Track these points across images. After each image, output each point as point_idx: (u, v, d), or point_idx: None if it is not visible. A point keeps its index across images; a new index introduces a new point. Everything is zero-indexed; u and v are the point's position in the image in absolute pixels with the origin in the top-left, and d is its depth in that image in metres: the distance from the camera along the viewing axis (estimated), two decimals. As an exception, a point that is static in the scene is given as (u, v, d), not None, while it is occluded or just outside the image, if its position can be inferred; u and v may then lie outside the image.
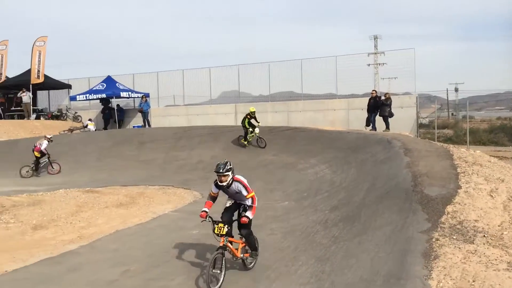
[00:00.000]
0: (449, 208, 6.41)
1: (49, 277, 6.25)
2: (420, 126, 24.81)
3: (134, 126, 24.06)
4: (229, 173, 6.18)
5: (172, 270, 6.48)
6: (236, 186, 6.28)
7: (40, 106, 27.25)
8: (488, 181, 7.45)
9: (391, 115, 17.24)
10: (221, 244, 5.97)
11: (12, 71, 26.84)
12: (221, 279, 5.77)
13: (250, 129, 16.47)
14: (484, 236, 5.55)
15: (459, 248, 5.25)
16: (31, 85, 24.64)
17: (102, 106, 25.25)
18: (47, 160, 16.37)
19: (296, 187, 11.97)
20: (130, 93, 25.22)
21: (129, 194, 12.10)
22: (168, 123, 23.30)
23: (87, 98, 25.04)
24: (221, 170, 6.10)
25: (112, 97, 24.66)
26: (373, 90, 18.28)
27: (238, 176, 6.37)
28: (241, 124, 16.96)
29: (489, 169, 8.25)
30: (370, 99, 17.75)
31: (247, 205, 6.35)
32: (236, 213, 6.45)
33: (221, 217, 6.29)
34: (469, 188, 7.09)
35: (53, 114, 25.63)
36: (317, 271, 5.96)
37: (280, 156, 15.43)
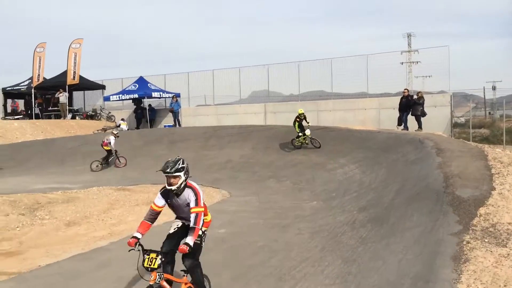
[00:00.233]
0: (482, 210, 6.20)
1: (80, 273, 6.42)
2: (455, 125, 24.13)
3: (165, 126, 24.44)
4: (181, 173, 4.75)
5: (199, 268, 6.51)
6: (187, 195, 4.86)
7: (75, 106, 28.07)
8: (524, 182, 7.16)
9: (424, 114, 16.87)
10: (151, 283, 4.54)
11: (49, 72, 27.74)
12: None
13: (300, 133, 15.84)
14: (518, 239, 5.34)
15: (491, 251, 5.08)
16: (67, 86, 25.40)
17: (135, 106, 25.76)
18: (114, 154, 17.16)
19: (325, 187, 11.89)
20: (161, 93, 25.65)
21: (159, 192, 12.29)
22: (198, 123, 23.56)
23: (120, 98, 25.63)
24: (168, 169, 4.70)
25: (144, 97, 25.16)
26: (405, 89, 17.94)
27: (192, 183, 4.94)
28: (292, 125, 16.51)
29: (526, 170, 7.93)
30: (402, 98, 17.42)
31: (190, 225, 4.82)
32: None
33: (161, 247, 4.96)
34: (503, 190, 6.84)
35: (88, 114, 26.36)
36: (343, 272, 5.89)
37: (309, 156, 15.35)
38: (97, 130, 22.64)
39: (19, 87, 27.70)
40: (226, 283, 5.98)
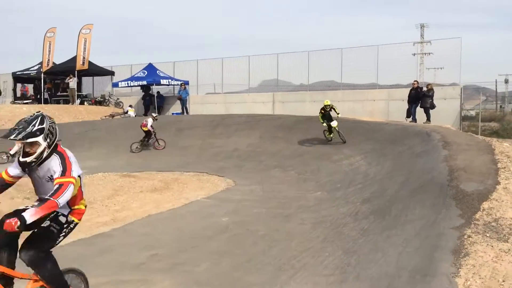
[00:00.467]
0: (485, 205, 6.12)
1: (82, 258, 6.45)
2: (465, 118, 23.89)
3: (173, 113, 24.48)
4: (39, 138, 3.45)
5: (199, 256, 6.55)
6: (51, 164, 3.54)
7: (84, 92, 28.18)
8: (530, 177, 7.07)
9: (433, 106, 16.70)
10: None
11: (59, 58, 27.85)
12: None
13: (325, 124, 15.05)
14: (520, 235, 5.28)
15: (492, 246, 5.02)
16: (76, 72, 25.48)
17: (143, 93, 25.81)
18: (154, 137, 17.46)
19: (330, 178, 11.83)
20: (170, 80, 25.66)
21: (164, 179, 12.35)
22: (206, 111, 23.54)
23: (129, 85, 25.71)
24: (15, 135, 3.40)
25: (153, 84, 25.18)
26: (414, 81, 17.76)
27: (64, 149, 3.72)
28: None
29: (533, 165, 7.82)
30: (411, 90, 17.26)
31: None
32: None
33: None
34: (508, 185, 6.75)
35: (96, 99, 26.46)
36: (343, 263, 5.87)
37: (316, 146, 15.30)
38: (105, 116, 22.72)
39: (29, 72, 27.89)
40: (225, 271, 5.99)
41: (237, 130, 17.91)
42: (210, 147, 17.11)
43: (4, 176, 3.65)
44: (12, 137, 3.39)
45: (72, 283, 4.04)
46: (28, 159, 3.48)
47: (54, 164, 3.53)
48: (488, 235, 5.32)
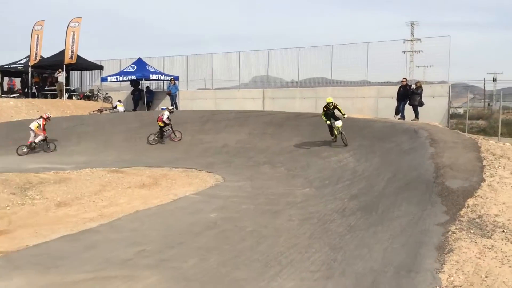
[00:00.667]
0: (470, 202, 6.21)
1: (67, 254, 6.43)
2: (453, 116, 24.10)
3: (162, 109, 24.31)
4: None
5: (186, 252, 6.55)
6: None
7: (72, 86, 27.87)
8: (515, 175, 7.17)
9: (421, 104, 16.78)
10: None
11: (47, 51, 27.51)
12: None
13: (328, 122, 14.23)
14: (503, 231, 5.35)
15: (475, 242, 5.09)
16: (64, 66, 25.20)
17: (132, 88, 25.61)
18: (170, 129, 17.65)
19: (319, 175, 11.88)
20: (159, 75, 25.46)
21: (153, 175, 12.30)
22: (196, 107, 23.45)
23: (118, 80, 25.49)
24: None
25: (142, 79, 24.98)
26: (403, 78, 17.81)
27: None
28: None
29: (517, 162, 7.94)
30: (400, 88, 17.32)
31: None
32: None
33: None
34: (493, 182, 6.85)
35: (85, 94, 26.19)
36: (329, 259, 5.91)
37: (305, 142, 15.31)
38: (94, 111, 22.53)
39: (16, 65, 27.50)
40: (213, 267, 5.99)
41: (227, 126, 17.90)
42: (199, 143, 17.09)
43: None
44: None
45: None
46: None
47: None
48: (472, 231, 5.39)
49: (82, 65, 26.90)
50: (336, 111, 14.31)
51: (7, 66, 27.67)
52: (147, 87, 25.38)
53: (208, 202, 9.61)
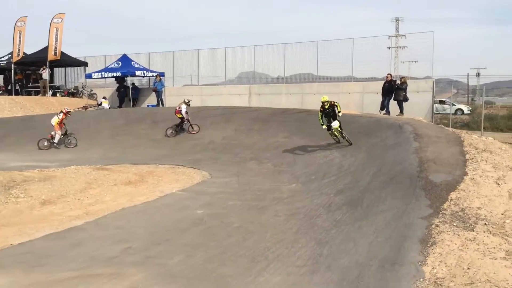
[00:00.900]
0: (453, 195, 6.30)
1: (52, 252, 6.39)
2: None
3: (148, 105, 24.19)
4: None
5: (173, 249, 6.54)
6: None
7: (56, 83, 27.52)
8: (496, 168, 7.29)
9: (406, 99, 16.94)
10: None
11: (30, 48, 27.08)
12: None
13: (324, 126, 13.07)
14: (485, 224, 5.45)
15: (458, 235, 5.18)
16: (48, 62, 24.87)
17: (117, 85, 25.39)
18: (187, 122, 17.60)
19: (305, 170, 11.93)
20: (145, 72, 25.32)
21: (139, 172, 12.24)
22: (182, 103, 23.32)
23: (103, 76, 25.24)
24: None
25: (127, 76, 24.79)
26: (388, 74, 17.96)
27: None
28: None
29: (499, 156, 8.07)
30: (385, 83, 17.46)
31: None
32: None
33: None
34: (475, 175, 6.96)
35: (69, 91, 25.90)
36: (315, 254, 5.96)
37: (291, 138, 15.37)
38: (78, 108, 22.29)
39: (-2, 62, 27.05)
40: (200, 263, 6.01)
41: (213, 122, 17.88)
42: (186, 140, 17.05)
43: None
44: None
45: None
46: None
47: None
48: (455, 224, 5.48)
49: (66, 61, 26.56)
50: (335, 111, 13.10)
51: (-11, 63, 27.19)
52: (133, 84, 25.19)
53: (194, 198, 9.60)
